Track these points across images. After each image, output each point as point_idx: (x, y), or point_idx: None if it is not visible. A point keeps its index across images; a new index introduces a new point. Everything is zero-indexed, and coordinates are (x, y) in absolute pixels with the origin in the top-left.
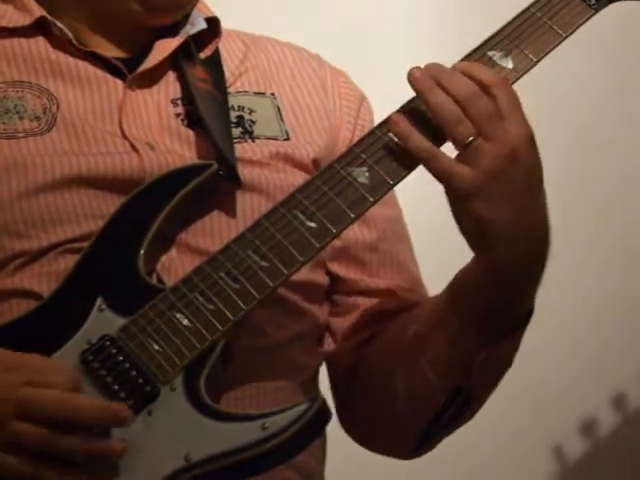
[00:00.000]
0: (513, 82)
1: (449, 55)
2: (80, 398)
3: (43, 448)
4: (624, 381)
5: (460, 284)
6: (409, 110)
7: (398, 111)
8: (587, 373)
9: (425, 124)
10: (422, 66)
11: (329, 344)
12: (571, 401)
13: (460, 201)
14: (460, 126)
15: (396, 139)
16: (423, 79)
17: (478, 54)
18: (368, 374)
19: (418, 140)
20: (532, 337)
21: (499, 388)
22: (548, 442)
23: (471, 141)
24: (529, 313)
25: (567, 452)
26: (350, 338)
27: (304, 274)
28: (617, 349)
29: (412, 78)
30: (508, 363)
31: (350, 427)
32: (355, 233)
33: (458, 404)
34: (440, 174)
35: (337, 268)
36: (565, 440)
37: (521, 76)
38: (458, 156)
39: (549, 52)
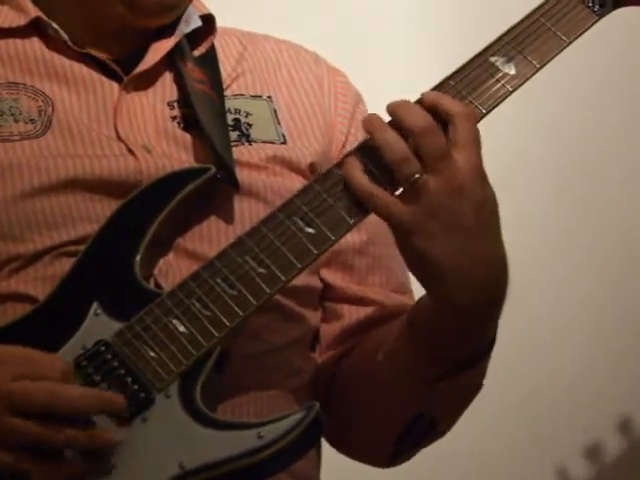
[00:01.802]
0: (516, 88)
1: (449, 55)
2: (72, 388)
3: (36, 442)
4: (630, 403)
5: (416, 317)
6: (366, 148)
7: (355, 148)
8: (592, 395)
9: (381, 165)
10: (387, 105)
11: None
12: (576, 424)
13: (402, 239)
14: (406, 164)
15: None
16: (374, 120)
17: (480, 59)
18: (342, 387)
19: (358, 179)
20: (536, 358)
21: (504, 412)
22: (553, 465)
23: (417, 178)
24: (490, 344)
25: (572, 476)
26: (331, 349)
27: (300, 279)
28: (623, 370)
29: (364, 121)
30: (475, 389)
31: (329, 435)
32: (345, 238)
33: (420, 429)
34: (380, 213)
35: (326, 274)
36: (570, 463)
37: (524, 82)
38: (402, 194)
39: (552, 58)
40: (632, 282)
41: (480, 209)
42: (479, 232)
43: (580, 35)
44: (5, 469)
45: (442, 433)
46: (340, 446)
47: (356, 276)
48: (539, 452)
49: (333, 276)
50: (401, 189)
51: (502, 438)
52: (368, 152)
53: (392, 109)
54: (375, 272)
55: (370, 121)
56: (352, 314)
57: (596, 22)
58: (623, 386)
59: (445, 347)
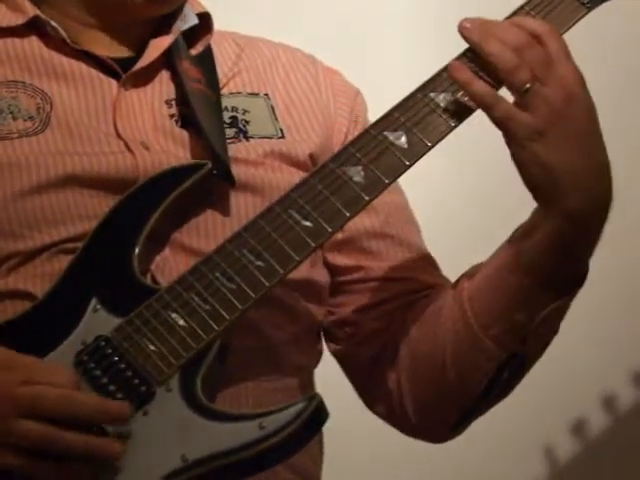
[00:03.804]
0: None
1: (449, 56)
2: (81, 396)
3: (43, 446)
4: (615, 381)
5: (526, 243)
6: (467, 58)
7: (459, 56)
8: (578, 373)
9: (482, 74)
10: (468, 27)
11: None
12: (562, 401)
13: (523, 147)
14: (518, 72)
15: (391, 137)
16: (476, 30)
17: (472, 52)
18: (405, 345)
19: (480, 86)
20: None
21: None
22: (539, 443)
23: (529, 87)
24: (584, 275)
25: (558, 453)
26: (372, 309)
27: (303, 272)
28: (609, 348)
29: (464, 30)
30: (556, 330)
31: (376, 403)
32: (356, 223)
33: (510, 371)
34: (501, 119)
35: (346, 259)
36: (556, 441)
37: None
38: (516, 102)
39: None
40: (619, 262)
41: (589, 115)
42: (590, 137)
43: (570, 28)
44: (11, 470)
45: (516, 384)
46: (392, 413)
47: (378, 256)
48: (525, 430)
49: (355, 259)
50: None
51: (488, 417)
52: (472, 60)
53: (486, 26)
54: (397, 248)
55: (470, 30)
56: (382, 287)
57: (585, 14)
58: (608, 363)
59: (554, 265)
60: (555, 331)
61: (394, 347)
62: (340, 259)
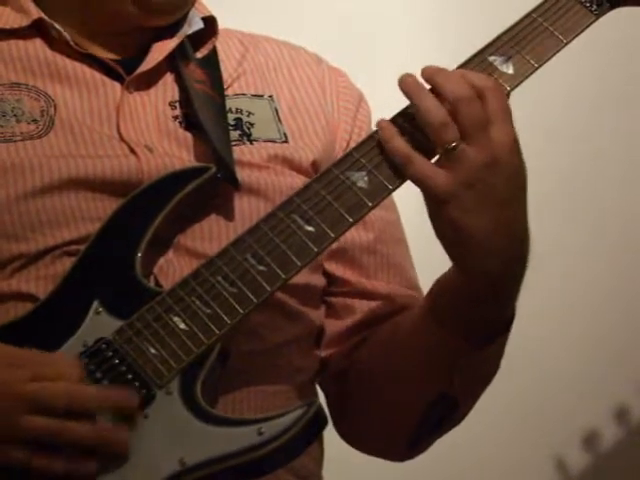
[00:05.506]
0: (513, 88)
1: (450, 57)
2: (88, 388)
3: (54, 440)
4: (627, 393)
5: (439, 292)
6: (404, 116)
7: (392, 117)
8: (589, 385)
9: (419, 133)
10: (421, 69)
11: (324, 346)
12: (573, 414)
13: (436, 206)
14: (445, 130)
15: None
16: (413, 84)
17: (479, 59)
18: (357, 378)
19: (397, 143)
20: (533, 348)
21: (501, 402)
22: (549, 455)
23: (453, 147)
24: (510, 320)
25: (569, 465)
26: (343, 342)
27: (302, 277)
28: (620, 360)
29: (402, 83)
30: (493, 370)
31: (343, 431)
32: (352, 235)
33: (442, 410)
34: (416, 178)
35: (335, 268)
36: (567, 453)
37: (522, 82)
38: (439, 161)
39: (550, 58)
40: (629, 277)
41: (512, 182)
42: (509, 205)
43: (578, 35)
44: (21, 467)
45: (462, 416)
46: (356, 441)
47: (365, 272)
48: (536, 442)
49: (342, 271)
50: (437, 157)
51: (500, 429)
52: (404, 120)
53: (429, 76)
54: (384, 269)
55: (408, 84)
56: (363, 307)
57: (594, 22)
58: (620, 376)
59: (469, 318)
60: (493, 371)
61: (353, 370)
62: (334, 267)
